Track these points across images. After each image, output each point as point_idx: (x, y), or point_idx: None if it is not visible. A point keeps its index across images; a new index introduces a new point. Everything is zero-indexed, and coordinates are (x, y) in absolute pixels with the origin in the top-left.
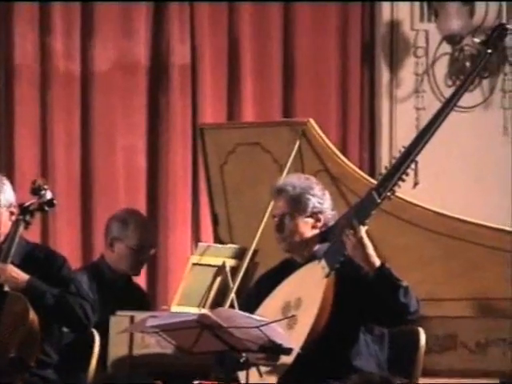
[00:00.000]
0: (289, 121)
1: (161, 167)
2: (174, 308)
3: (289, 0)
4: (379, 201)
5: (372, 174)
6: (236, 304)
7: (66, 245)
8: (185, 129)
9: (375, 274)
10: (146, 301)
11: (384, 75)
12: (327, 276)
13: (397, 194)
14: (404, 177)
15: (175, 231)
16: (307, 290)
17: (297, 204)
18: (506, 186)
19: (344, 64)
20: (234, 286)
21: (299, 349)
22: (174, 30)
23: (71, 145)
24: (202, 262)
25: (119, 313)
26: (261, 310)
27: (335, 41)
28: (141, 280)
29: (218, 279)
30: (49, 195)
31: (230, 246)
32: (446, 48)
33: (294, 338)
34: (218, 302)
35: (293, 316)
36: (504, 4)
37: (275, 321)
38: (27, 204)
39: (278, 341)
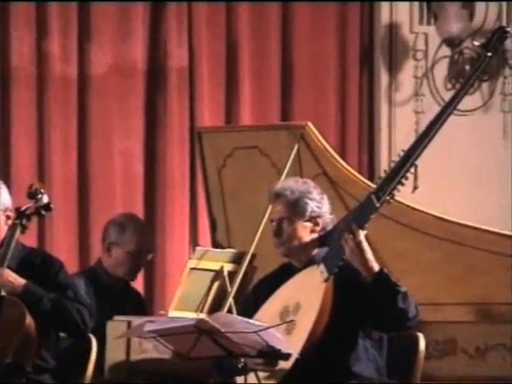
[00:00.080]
0: (287, 124)
1: (158, 171)
2: (172, 313)
3: (287, 0)
4: (378, 205)
5: (371, 178)
6: (234, 309)
7: (63, 249)
8: (182, 132)
9: (373, 279)
10: (143, 305)
11: (383, 78)
12: (326, 280)
13: (396, 198)
14: (403, 181)
15: (173, 235)
16: (306, 295)
17: (295, 208)
18: (507, 189)
19: (343, 67)
20: (232, 291)
21: (298, 354)
22: (172, 32)
23: (68, 148)
24: (200, 266)
25: (116, 318)
26: (259, 314)
27: (334, 44)
28: (138, 284)
29: (216, 284)
30: (45, 199)
31: (227, 250)
32: (446, 51)
33: (292, 343)
34: (216, 306)
35: (291, 321)
36: (504, 7)
37: (273, 326)
38: (24, 208)
39: (277, 346)
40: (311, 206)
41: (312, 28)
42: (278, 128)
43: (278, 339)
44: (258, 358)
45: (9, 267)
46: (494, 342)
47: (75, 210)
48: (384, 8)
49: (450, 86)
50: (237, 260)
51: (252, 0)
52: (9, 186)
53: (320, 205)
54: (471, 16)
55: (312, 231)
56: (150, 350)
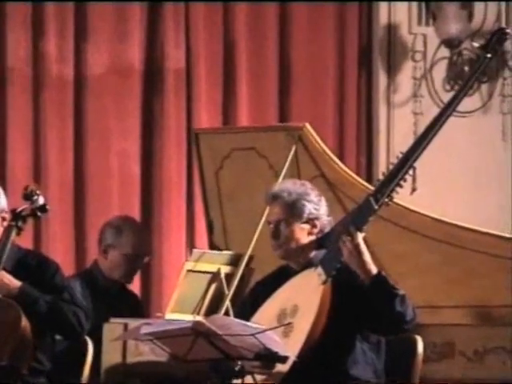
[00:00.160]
0: (285, 125)
1: (155, 172)
2: (169, 315)
3: (285, 0)
4: (376, 207)
5: (369, 180)
6: (231, 311)
7: (59, 251)
8: (179, 133)
9: (371, 281)
10: (139, 308)
11: (381, 79)
12: (324, 283)
13: (394, 200)
14: (402, 183)
15: (169, 237)
16: (304, 297)
17: (292, 210)
18: (506, 190)
19: (341, 68)
20: (229, 293)
21: (295, 357)
22: (169, 33)
23: (64, 149)
24: (197, 268)
25: (113, 320)
26: (256, 317)
27: (332, 44)
28: (135, 287)
29: (213, 286)
30: (41, 200)
31: (225, 252)
32: (445, 52)
33: (290, 346)
34: (213, 309)
35: (289, 323)
36: (503, 7)
37: (271, 328)
38: (19, 209)
39: (274, 348)
40: (309, 208)
41: (310, 28)
42: (276, 129)
43: (276, 342)
44: (255, 360)
45: (4, 269)
46: (493, 344)
47: (71, 211)
48: (382, 8)
49: (448, 87)
50: (234, 262)
51: (249, 0)
52: (4, 188)
53: (318, 207)
54: (470, 17)
55: (310, 233)
56: (147, 353)
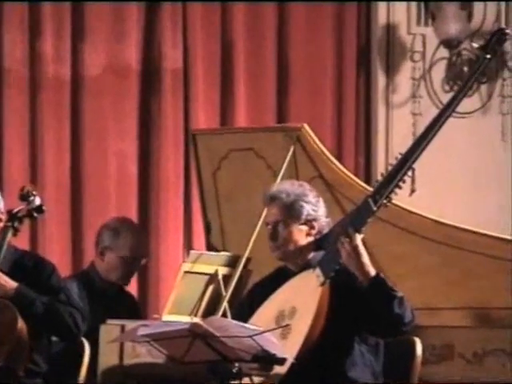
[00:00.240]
0: (283, 126)
1: (152, 173)
2: (166, 317)
3: (283, 0)
4: (375, 208)
5: (368, 181)
6: (229, 313)
7: (56, 252)
8: (177, 134)
9: (370, 283)
10: (136, 309)
11: (380, 80)
12: (322, 285)
13: (393, 201)
14: (401, 184)
15: (167, 238)
16: (302, 299)
17: (290, 211)
18: (506, 191)
19: (339, 68)
20: (227, 295)
21: (293, 359)
22: (166, 33)
23: (61, 150)
24: (194, 269)
25: (110, 321)
26: (254, 318)
27: (330, 44)
28: (132, 288)
29: (211, 287)
30: (38, 201)
31: (222, 253)
32: (444, 52)
33: (287, 348)
34: (211, 310)
35: (287, 325)
36: (502, 7)
37: (269, 330)
38: (16, 210)
39: (272, 350)
40: (307, 209)
41: (308, 28)
42: (274, 130)
43: (273, 344)
44: (252, 362)
45: (1, 270)
46: (492, 346)
47: (68, 212)
48: (381, 8)
49: (447, 87)
50: (231, 263)
51: (247, 0)
52: (1, 189)
53: (316, 208)
54: (469, 17)
55: (308, 234)
56: (144, 355)
